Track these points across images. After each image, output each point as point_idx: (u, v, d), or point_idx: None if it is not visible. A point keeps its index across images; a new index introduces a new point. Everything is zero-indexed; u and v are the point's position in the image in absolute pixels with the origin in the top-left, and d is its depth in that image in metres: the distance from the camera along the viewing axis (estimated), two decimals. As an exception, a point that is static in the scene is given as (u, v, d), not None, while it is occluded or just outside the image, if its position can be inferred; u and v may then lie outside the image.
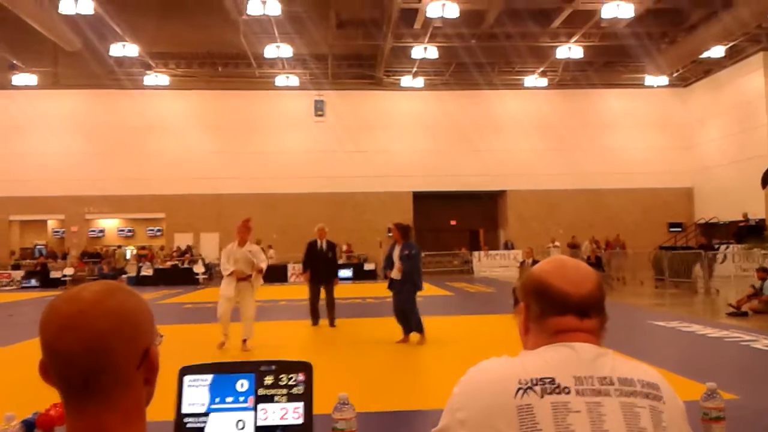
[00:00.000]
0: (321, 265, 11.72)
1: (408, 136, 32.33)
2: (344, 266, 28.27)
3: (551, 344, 1.38)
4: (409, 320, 9.61)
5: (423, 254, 30.78)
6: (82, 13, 23.67)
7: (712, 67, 30.53)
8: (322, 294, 11.66)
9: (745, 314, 12.22)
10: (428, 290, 21.14)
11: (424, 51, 27.62)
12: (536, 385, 1.28)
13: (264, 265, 9.42)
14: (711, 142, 31.39)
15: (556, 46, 28.03)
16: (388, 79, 32.01)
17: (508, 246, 30.81)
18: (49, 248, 32.07)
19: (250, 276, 9.32)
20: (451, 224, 33.72)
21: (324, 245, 11.84)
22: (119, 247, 32.44)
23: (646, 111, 33.07)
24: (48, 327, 1.04)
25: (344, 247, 30.07)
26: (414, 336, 9.61)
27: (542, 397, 1.27)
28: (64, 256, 30.05)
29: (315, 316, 11.67)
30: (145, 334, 1.10)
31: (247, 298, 9.28)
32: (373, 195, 31.38)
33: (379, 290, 20.81)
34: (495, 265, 29.84)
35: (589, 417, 1.25)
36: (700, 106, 32.29)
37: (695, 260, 19.75)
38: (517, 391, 1.28)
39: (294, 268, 27.43)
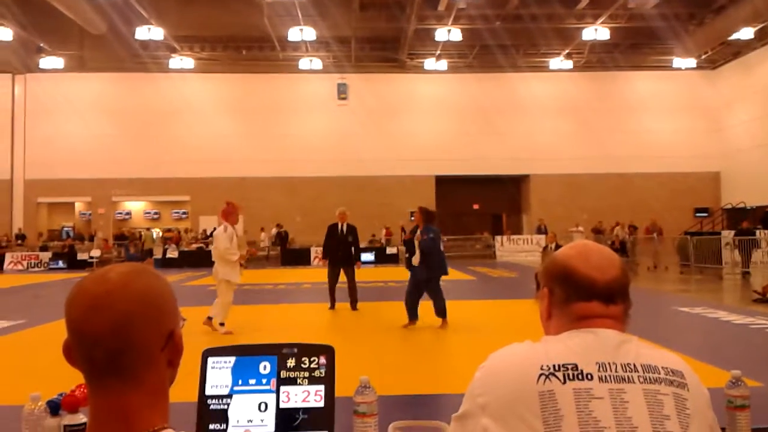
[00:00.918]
0: (340, 249, 11.77)
1: (431, 119, 32.18)
2: (366, 249, 28.32)
3: (574, 330, 1.37)
4: (434, 304, 9.56)
5: (445, 239, 30.95)
6: (108, -3, 23.85)
7: (741, 49, 29.96)
8: (342, 277, 11.70)
9: (771, 301, 12.07)
10: (450, 274, 21.09)
11: (448, 33, 27.41)
12: (558, 371, 1.27)
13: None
14: (739, 126, 30.86)
15: (582, 28, 27.69)
16: (412, 61, 31.84)
17: (542, 230, 29.70)
18: (76, 230, 32.51)
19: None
20: (473, 208, 33.61)
21: (344, 229, 11.88)
22: (148, 229, 32.80)
23: (674, 94, 32.56)
24: (74, 307, 1.05)
25: (383, 231, 30.15)
26: (436, 320, 9.60)
27: (564, 383, 1.26)
28: (91, 238, 30.45)
29: (332, 299, 11.73)
30: (170, 317, 1.11)
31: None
32: (396, 178, 31.35)
33: (401, 274, 20.86)
34: (518, 250, 29.68)
35: (611, 403, 1.24)
36: (728, 89, 31.71)
37: (730, 246, 19.31)
38: (539, 376, 1.27)
39: (317, 252, 27.52)
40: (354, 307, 11.59)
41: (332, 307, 11.69)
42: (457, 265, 24.77)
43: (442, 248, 9.76)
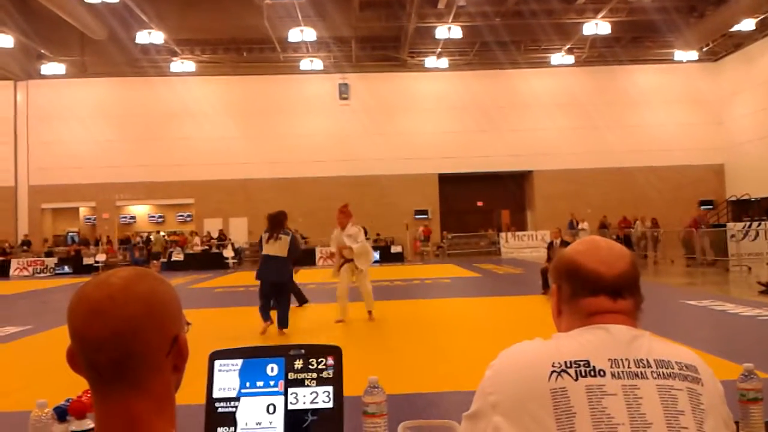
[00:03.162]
0: None
1: (433, 117, 32.16)
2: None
3: (585, 326, 1.35)
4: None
5: (450, 236, 31.01)
6: (108, 1, 23.87)
7: (743, 40, 29.87)
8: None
9: (776, 292, 12.02)
10: (456, 272, 21.19)
11: (448, 31, 27.39)
12: (570, 367, 1.26)
13: (352, 245, 9.98)
14: (742, 118, 30.77)
15: (583, 23, 27.63)
16: (412, 60, 31.83)
17: (574, 225, 28.33)
18: (81, 235, 32.58)
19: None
20: (477, 205, 33.61)
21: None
22: (158, 232, 32.85)
23: (675, 87, 32.49)
24: (77, 313, 1.03)
25: (420, 230, 30.39)
26: (441, 317, 9.56)
27: (576, 379, 1.25)
28: (97, 243, 30.52)
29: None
30: (174, 321, 1.09)
31: (360, 278, 10.25)
32: (399, 177, 31.35)
33: (407, 272, 20.86)
34: (523, 246, 29.66)
35: (625, 400, 1.23)
36: (730, 81, 31.63)
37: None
38: (551, 374, 1.26)
39: (321, 252, 27.57)
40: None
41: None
42: (463, 262, 24.78)
43: (275, 253, 9.27)
